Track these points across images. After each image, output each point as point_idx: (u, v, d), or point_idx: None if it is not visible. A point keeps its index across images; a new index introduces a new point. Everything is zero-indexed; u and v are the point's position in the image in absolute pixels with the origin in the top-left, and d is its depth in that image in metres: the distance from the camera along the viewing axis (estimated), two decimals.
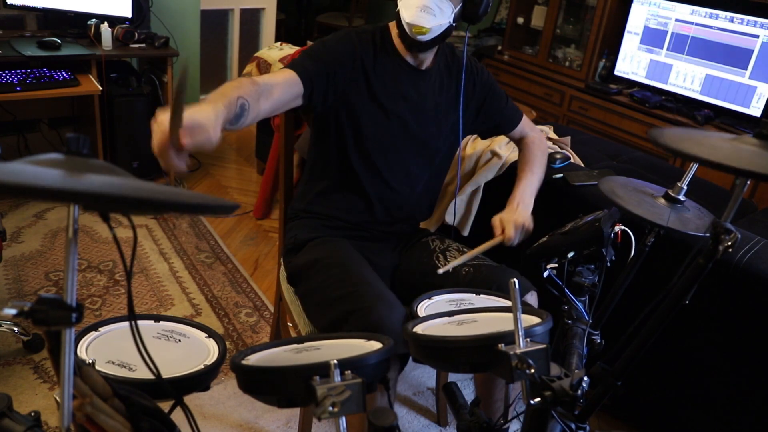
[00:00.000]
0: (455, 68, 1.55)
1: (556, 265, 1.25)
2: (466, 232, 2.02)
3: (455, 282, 1.41)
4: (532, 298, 1.42)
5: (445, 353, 0.95)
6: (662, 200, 1.29)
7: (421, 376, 2.05)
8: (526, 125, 1.67)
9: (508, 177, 1.95)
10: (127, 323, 0.96)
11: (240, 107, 1.11)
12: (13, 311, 0.55)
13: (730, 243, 0.87)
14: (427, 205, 1.65)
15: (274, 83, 1.28)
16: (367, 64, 1.43)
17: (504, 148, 1.97)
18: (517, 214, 1.44)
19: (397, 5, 1.41)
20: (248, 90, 1.16)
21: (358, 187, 1.51)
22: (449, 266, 1.40)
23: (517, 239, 1.43)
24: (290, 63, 1.38)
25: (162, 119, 0.90)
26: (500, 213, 1.47)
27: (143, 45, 2.85)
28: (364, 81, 1.43)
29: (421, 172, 1.55)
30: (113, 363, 0.88)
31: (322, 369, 0.78)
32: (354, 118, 1.45)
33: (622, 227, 1.26)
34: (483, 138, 1.90)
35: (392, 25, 1.48)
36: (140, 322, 1.00)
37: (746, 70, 3.08)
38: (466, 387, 1.98)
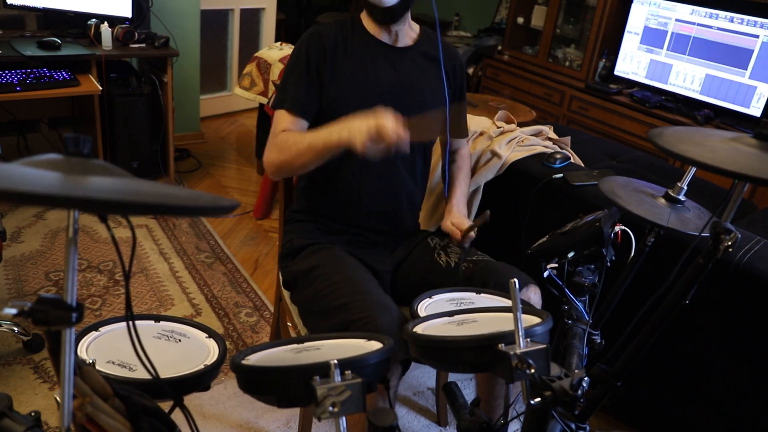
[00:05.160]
0: (437, 58, 1.54)
1: (556, 265, 1.25)
2: None
3: (453, 279, 1.41)
4: (531, 293, 1.40)
5: (445, 353, 0.95)
6: (662, 200, 1.29)
7: (421, 376, 2.05)
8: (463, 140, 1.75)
9: (509, 177, 1.95)
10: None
11: None
12: (13, 311, 0.55)
13: (730, 243, 0.87)
14: (420, 198, 1.64)
15: (301, 131, 1.44)
16: (338, 50, 1.46)
17: (504, 148, 1.97)
18: (462, 219, 1.53)
19: None
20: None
21: (346, 182, 1.49)
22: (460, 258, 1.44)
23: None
24: (283, 101, 1.44)
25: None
26: (449, 219, 1.54)
27: (143, 45, 2.85)
28: (335, 66, 1.45)
29: (407, 157, 1.52)
30: (113, 363, 0.88)
31: (322, 369, 0.78)
32: (334, 106, 1.44)
33: (622, 227, 1.26)
34: None
35: (363, 15, 1.50)
36: (140, 322, 1.00)
37: (746, 70, 3.08)
38: (466, 387, 1.98)
